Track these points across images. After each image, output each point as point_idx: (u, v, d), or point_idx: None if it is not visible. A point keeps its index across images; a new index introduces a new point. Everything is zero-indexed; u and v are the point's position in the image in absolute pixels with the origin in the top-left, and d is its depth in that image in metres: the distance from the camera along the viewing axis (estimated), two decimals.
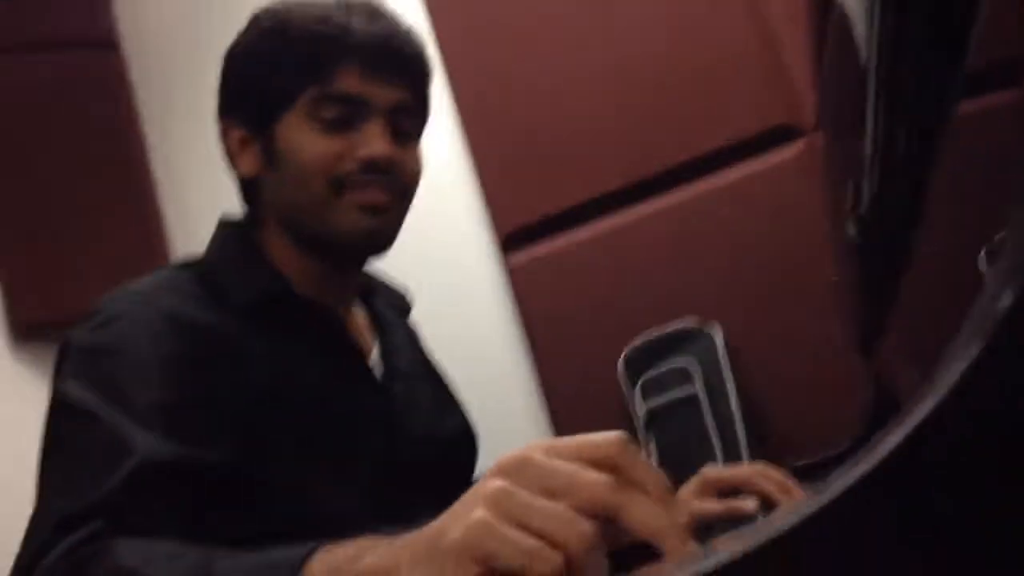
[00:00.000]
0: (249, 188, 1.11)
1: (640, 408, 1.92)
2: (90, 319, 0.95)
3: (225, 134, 1.10)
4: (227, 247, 1.09)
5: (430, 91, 1.11)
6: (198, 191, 2.54)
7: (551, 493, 0.51)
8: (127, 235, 2.45)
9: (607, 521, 0.51)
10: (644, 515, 0.51)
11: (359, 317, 1.18)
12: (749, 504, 1.13)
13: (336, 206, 1.02)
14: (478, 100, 2.23)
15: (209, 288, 1.02)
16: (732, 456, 1.82)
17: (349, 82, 1.02)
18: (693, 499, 1.19)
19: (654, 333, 1.99)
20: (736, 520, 1.16)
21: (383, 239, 1.06)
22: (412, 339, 1.28)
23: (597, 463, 0.52)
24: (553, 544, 0.49)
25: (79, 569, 0.70)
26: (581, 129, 2.14)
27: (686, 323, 1.97)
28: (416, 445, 1.12)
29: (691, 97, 2.06)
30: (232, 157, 1.10)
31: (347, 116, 1.02)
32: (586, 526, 0.50)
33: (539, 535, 0.50)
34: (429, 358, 1.31)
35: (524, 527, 0.50)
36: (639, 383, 1.94)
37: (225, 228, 1.12)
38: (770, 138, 2.02)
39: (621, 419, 2.00)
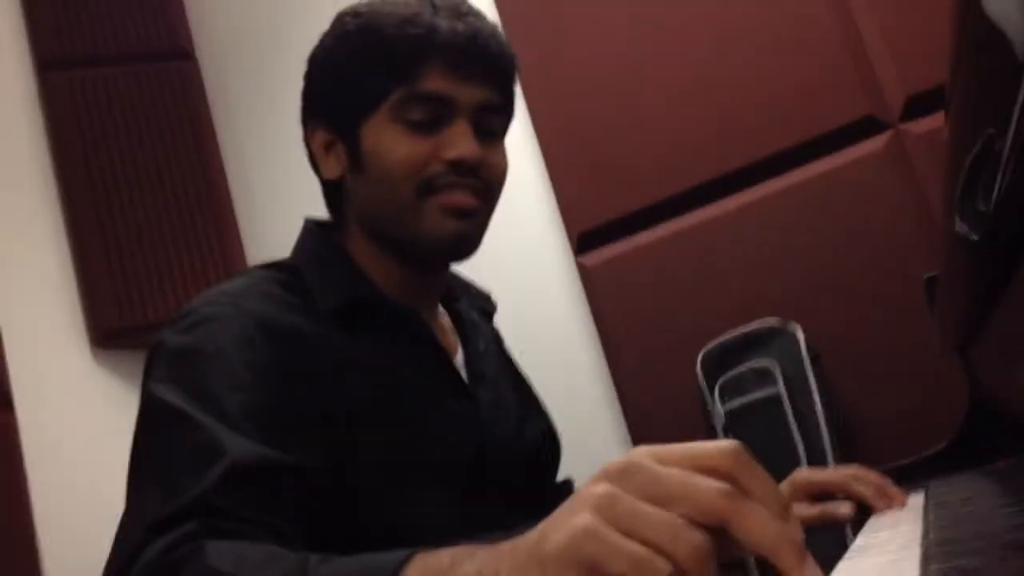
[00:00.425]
0: (334, 191, 1.10)
1: (719, 409, 1.87)
2: (180, 320, 0.94)
3: (310, 137, 1.09)
4: (313, 250, 1.08)
5: (514, 89, 1.09)
6: (270, 196, 2.57)
7: (661, 500, 0.48)
8: (202, 242, 2.49)
9: (720, 533, 0.48)
10: (760, 528, 0.48)
11: (443, 320, 1.17)
12: (844, 509, 1.09)
13: (423, 209, 1.01)
14: (551, 98, 2.20)
15: (296, 291, 1.01)
16: (816, 458, 1.76)
17: (435, 82, 1.00)
18: None
19: (732, 333, 1.94)
20: (830, 525, 1.12)
21: (470, 242, 1.05)
22: (496, 342, 1.26)
23: (711, 471, 0.49)
24: (662, 554, 0.47)
25: (173, 570, 0.69)
26: (656, 126, 2.10)
27: (765, 322, 1.91)
28: (502, 450, 1.10)
29: (772, 91, 2.01)
30: (317, 160, 1.09)
31: (433, 116, 1.01)
32: (698, 536, 0.47)
33: (648, 544, 0.47)
34: (512, 360, 1.29)
35: (632, 534, 0.47)
36: (718, 384, 1.89)
37: (311, 230, 1.11)
38: (855, 131, 1.95)
39: (698, 420, 1.95)
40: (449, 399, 1.07)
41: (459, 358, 1.12)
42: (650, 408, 2.07)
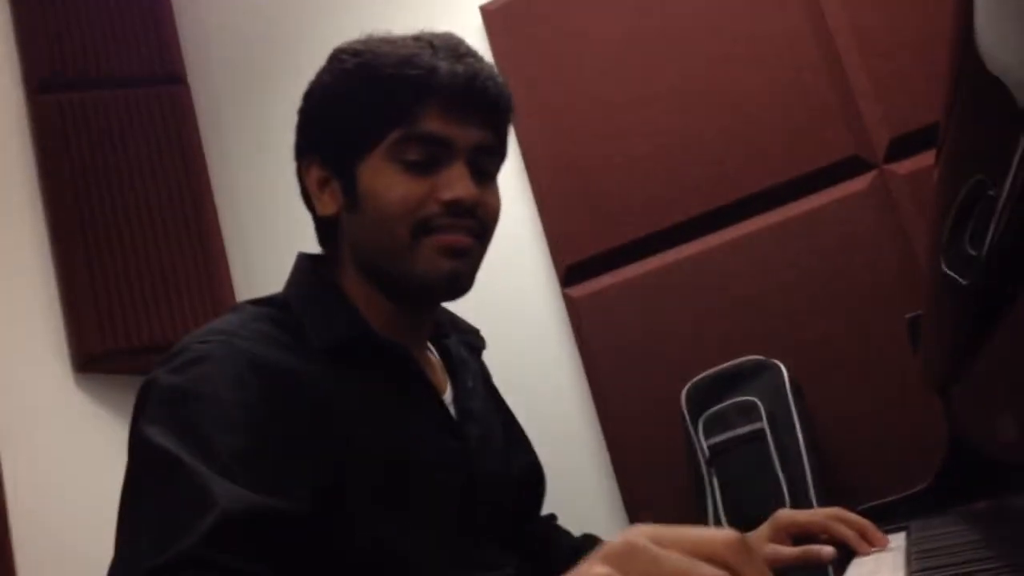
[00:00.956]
0: (327, 227, 1.10)
1: (703, 444, 1.87)
2: (172, 359, 0.93)
3: (304, 172, 1.09)
4: (306, 285, 1.08)
5: (508, 130, 1.10)
6: (259, 223, 2.57)
7: None
8: (189, 268, 2.47)
9: None
10: None
11: (432, 356, 1.17)
12: (826, 551, 1.09)
13: (419, 248, 1.01)
14: (542, 132, 2.22)
15: (288, 328, 1.00)
16: (799, 493, 1.76)
17: (434, 123, 1.00)
18: (766, 543, 1.15)
19: (717, 368, 1.95)
20: (812, 567, 1.12)
21: (464, 281, 1.05)
22: (484, 377, 1.26)
23: (709, 558, 0.50)
24: None
25: None
26: (645, 162, 2.12)
27: (750, 358, 1.92)
28: (490, 488, 1.10)
29: (760, 129, 2.04)
30: (310, 196, 1.09)
31: (431, 157, 1.01)
32: None
33: None
34: (498, 395, 1.29)
35: None
36: (702, 418, 1.90)
37: (303, 266, 1.11)
38: (841, 170, 1.98)
39: (682, 454, 1.95)
40: (439, 437, 1.06)
41: (448, 395, 1.12)
42: (634, 441, 2.07)
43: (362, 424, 0.97)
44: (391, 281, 1.04)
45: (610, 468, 2.12)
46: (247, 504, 0.78)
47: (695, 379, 1.95)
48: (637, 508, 2.06)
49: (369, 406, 0.99)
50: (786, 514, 1.18)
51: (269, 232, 2.55)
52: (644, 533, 0.52)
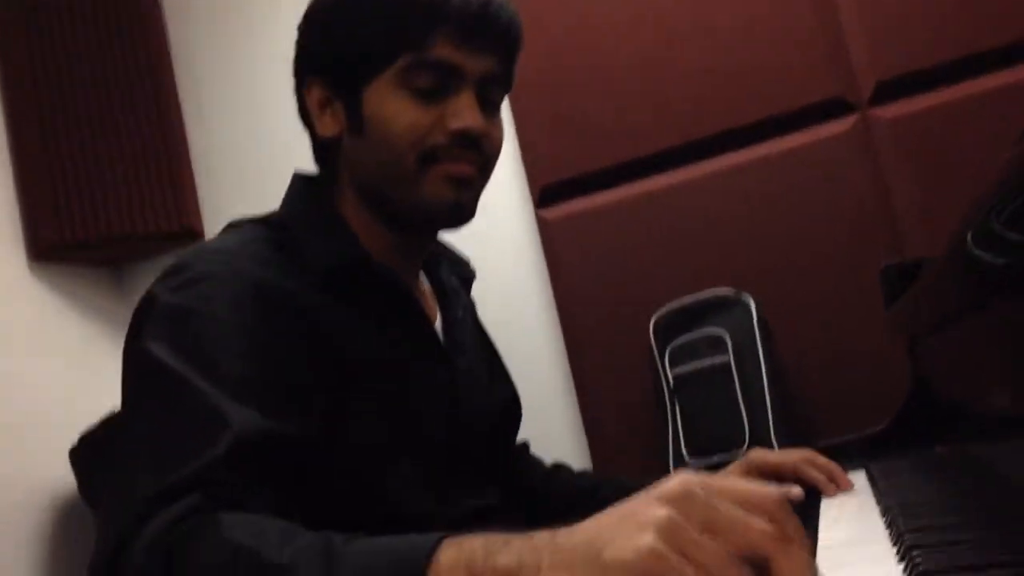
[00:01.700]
0: (326, 149, 1.07)
1: (668, 372, 1.90)
2: (172, 276, 0.91)
3: (305, 92, 1.06)
4: (304, 208, 1.06)
5: (517, 60, 1.07)
6: (221, 112, 2.50)
7: (715, 530, 0.52)
8: (148, 162, 2.41)
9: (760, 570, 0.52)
10: (794, 569, 0.52)
11: (424, 285, 1.16)
12: (794, 491, 1.12)
13: (424, 177, 0.99)
14: (523, 50, 2.16)
15: (286, 251, 0.99)
16: (759, 428, 1.81)
17: (445, 50, 0.98)
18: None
19: (687, 299, 1.96)
20: None
21: (467, 212, 1.04)
22: (471, 308, 1.25)
23: (758, 511, 0.54)
24: None
25: (186, 543, 0.67)
26: (628, 88, 2.10)
27: (720, 291, 1.94)
28: (476, 418, 1.11)
29: (745, 63, 2.02)
30: (310, 116, 1.06)
31: (439, 84, 0.99)
32: (746, 572, 0.52)
33: (702, 571, 0.51)
34: (483, 328, 1.29)
35: (689, 561, 0.51)
36: (669, 348, 1.92)
37: (300, 187, 1.09)
38: (823, 110, 1.98)
39: (647, 382, 1.99)
40: (429, 366, 1.07)
41: (438, 324, 1.12)
42: (598, 367, 2.09)
43: (357, 351, 0.97)
44: (393, 208, 1.03)
45: (573, 392, 2.15)
46: (259, 427, 0.78)
47: (664, 309, 1.97)
48: (597, 432, 2.10)
49: (364, 333, 0.99)
50: (759, 454, 1.21)
51: (231, 120, 2.49)
52: (698, 481, 0.55)
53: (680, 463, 1.84)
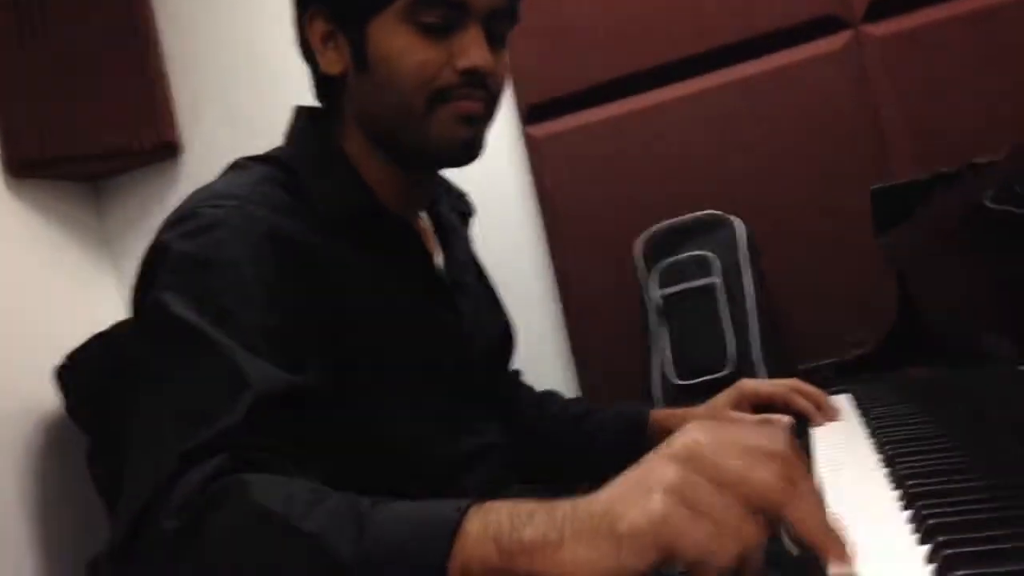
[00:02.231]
0: (330, 85, 1.04)
1: (655, 293, 1.91)
2: (183, 222, 0.89)
3: (307, 25, 1.02)
4: (308, 147, 1.03)
5: None
6: (198, 33, 2.44)
7: (724, 484, 0.54)
8: (126, 81, 2.36)
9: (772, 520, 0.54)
10: (806, 516, 0.54)
11: (425, 223, 1.15)
12: (784, 419, 1.14)
13: (434, 116, 0.97)
14: None
15: (294, 193, 0.97)
16: (744, 349, 1.83)
17: None
18: (729, 409, 1.20)
19: (675, 219, 1.96)
20: None
21: (476, 149, 1.02)
22: (469, 244, 1.25)
23: (764, 459, 0.55)
24: (726, 538, 0.52)
25: (215, 507, 0.67)
26: (617, 2, 2.05)
27: (709, 212, 1.94)
28: (479, 355, 1.12)
29: None
30: (312, 51, 1.03)
31: (446, 20, 0.96)
32: (757, 524, 0.53)
33: (716, 527, 0.52)
34: (479, 262, 1.28)
35: (702, 519, 0.52)
36: (656, 268, 1.93)
37: (304, 124, 1.06)
38: (816, 27, 1.95)
39: (633, 302, 2.00)
40: (435, 309, 1.07)
41: (439, 262, 1.12)
42: (586, 287, 2.10)
43: (367, 299, 0.97)
44: (402, 147, 1.01)
45: (560, 313, 2.16)
46: (280, 383, 0.77)
47: (652, 229, 1.96)
48: (585, 354, 2.12)
49: (375, 280, 0.99)
50: (749, 384, 1.22)
51: (208, 33, 2.43)
52: (704, 432, 0.56)
53: (667, 385, 1.86)
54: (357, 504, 0.64)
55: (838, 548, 0.54)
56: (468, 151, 1.02)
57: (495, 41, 1.01)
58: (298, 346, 0.84)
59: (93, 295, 2.45)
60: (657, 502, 0.53)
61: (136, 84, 2.37)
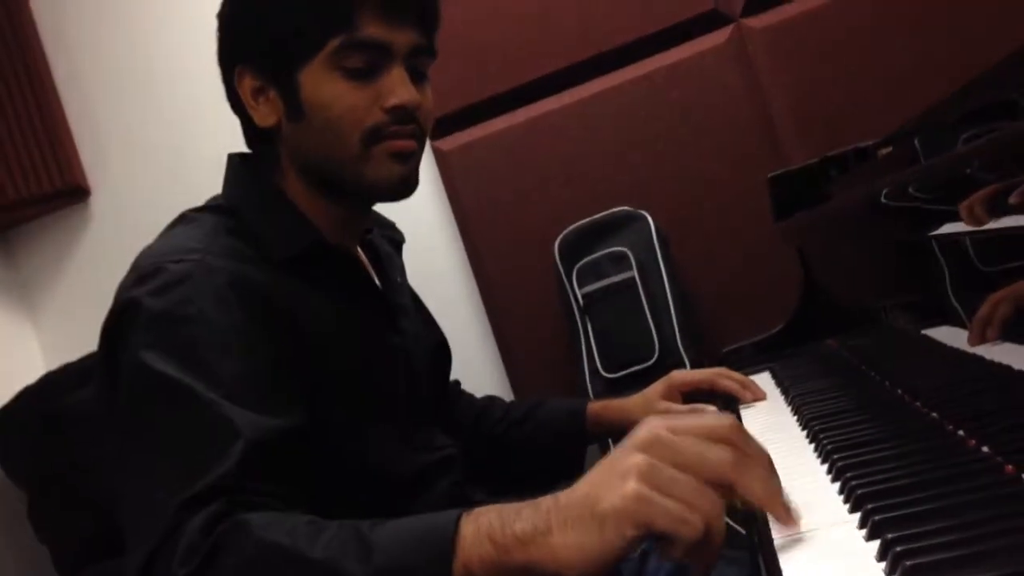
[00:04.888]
0: (263, 135, 1.08)
1: (577, 293, 1.99)
2: (149, 279, 0.91)
3: (237, 82, 1.06)
4: (252, 193, 1.07)
5: (438, 29, 1.09)
6: (94, 82, 2.42)
7: (683, 467, 0.62)
8: (24, 129, 2.34)
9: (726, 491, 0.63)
10: (758, 487, 0.64)
11: (360, 253, 1.19)
12: (709, 408, 1.23)
13: (370, 156, 1.02)
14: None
15: (246, 239, 1.00)
16: (667, 339, 1.91)
17: (372, 28, 1.00)
18: (660, 399, 1.28)
19: (588, 219, 2.04)
20: None
21: (412, 183, 1.07)
22: (403, 270, 1.30)
23: (718, 441, 0.64)
24: (692, 511, 0.60)
25: (222, 547, 0.70)
26: (510, 12, 2.12)
27: (619, 209, 2.02)
28: (422, 374, 1.17)
29: None
30: (246, 106, 1.06)
31: (371, 63, 1.01)
32: (715, 496, 0.62)
33: (683, 504, 0.60)
34: (408, 283, 1.33)
35: (670, 497, 0.60)
36: (575, 268, 2.00)
37: (241, 171, 1.09)
38: (701, 24, 2.05)
39: (556, 303, 2.07)
40: (385, 334, 1.12)
41: (379, 287, 1.17)
42: (510, 294, 2.16)
43: (326, 332, 1.00)
44: (341, 187, 1.05)
45: (487, 322, 2.21)
46: (268, 430, 0.81)
47: (567, 230, 2.04)
48: (515, 359, 2.18)
49: (329, 314, 1.02)
50: (678, 374, 1.31)
51: (105, 75, 2.41)
52: (661, 424, 0.64)
53: (596, 379, 1.94)
54: (358, 528, 0.69)
55: (786, 513, 0.64)
56: (404, 186, 1.06)
57: (418, 77, 1.06)
58: (278, 389, 0.88)
59: (11, 346, 2.40)
60: (632, 485, 0.61)
61: (36, 131, 2.35)
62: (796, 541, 0.65)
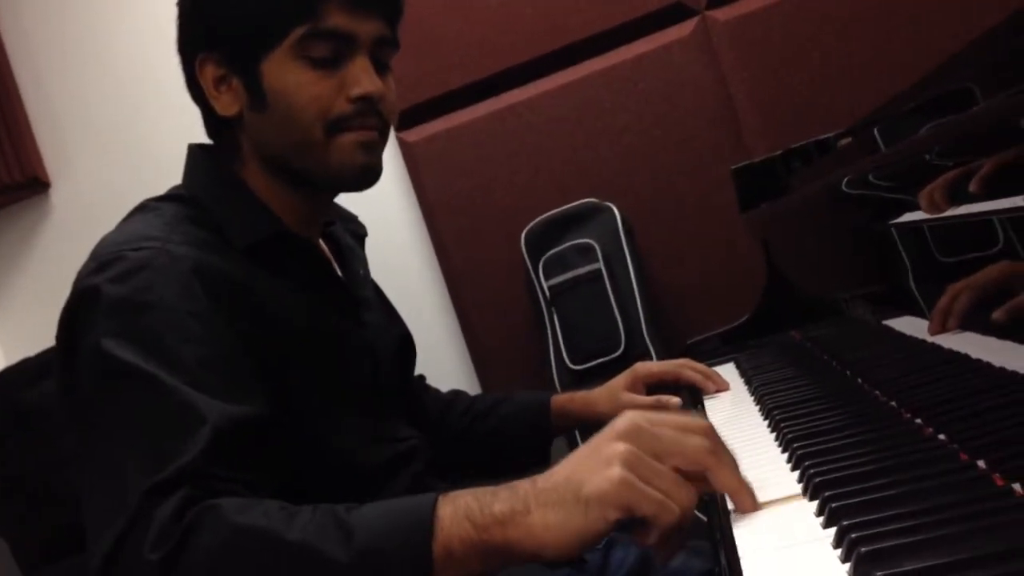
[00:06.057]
0: (225, 124, 1.07)
1: (543, 285, 1.99)
2: (109, 267, 0.89)
3: (198, 71, 1.05)
4: (213, 183, 1.06)
5: (402, 19, 1.08)
6: (53, 72, 2.38)
7: (662, 455, 0.67)
8: None
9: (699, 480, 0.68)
10: (727, 477, 0.69)
11: (322, 244, 1.19)
12: (673, 400, 1.24)
13: (332, 146, 1.02)
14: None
15: (208, 228, 1.00)
16: (634, 330, 1.92)
17: (337, 18, 0.99)
18: (624, 391, 1.28)
19: (554, 211, 2.04)
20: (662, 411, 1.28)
21: (376, 173, 1.07)
22: (365, 262, 1.29)
23: (691, 433, 0.68)
24: (670, 498, 0.65)
25: (195, 531, 0.69)
26: (477, 4, 2.11)
27: (585, 201, 2.03)
28: (386, 366, 1.17)
29: None
30: (208, 96, 1.05)
31: (335, 53, 1.00)
32: (691, 488, 0.67)
33: (660, 490, 0.64)
34: (369, 274, 1.33)
35: (650, 483, 0.64)
36: (541, 260, 2.00)
37: (202, 160, 1.08)
38: (665, 16, 2.05)
39: (523, 295, 2.07)
40: (348, 325, 1.11)
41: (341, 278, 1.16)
42: (476, 283, 2.16)
43: (289, 320, 1.00)
44: (303, 177, 1.05)
45: (454, 315, 2.21)
46: (233, 417, 0.80)
47: (533, 222, 2.04)
48: (482, 352, 2.18)
49: (292, 303, 1.02)
50: (643, 366, 1.31)
51: (63, 66, 2.38)
52: (641, 417, 0.68)
53: (563, 371, 1.95)
54: (335, 511, 0.70)
55: (751, 500, 0.69)
56: (367, 175, 1.06)
57: (381, 68, 1.05)
58: (241, 376, 0.87)
59: None
60: (617, 470, 0.64)
61: None
62: (754, 530, 0.66)
